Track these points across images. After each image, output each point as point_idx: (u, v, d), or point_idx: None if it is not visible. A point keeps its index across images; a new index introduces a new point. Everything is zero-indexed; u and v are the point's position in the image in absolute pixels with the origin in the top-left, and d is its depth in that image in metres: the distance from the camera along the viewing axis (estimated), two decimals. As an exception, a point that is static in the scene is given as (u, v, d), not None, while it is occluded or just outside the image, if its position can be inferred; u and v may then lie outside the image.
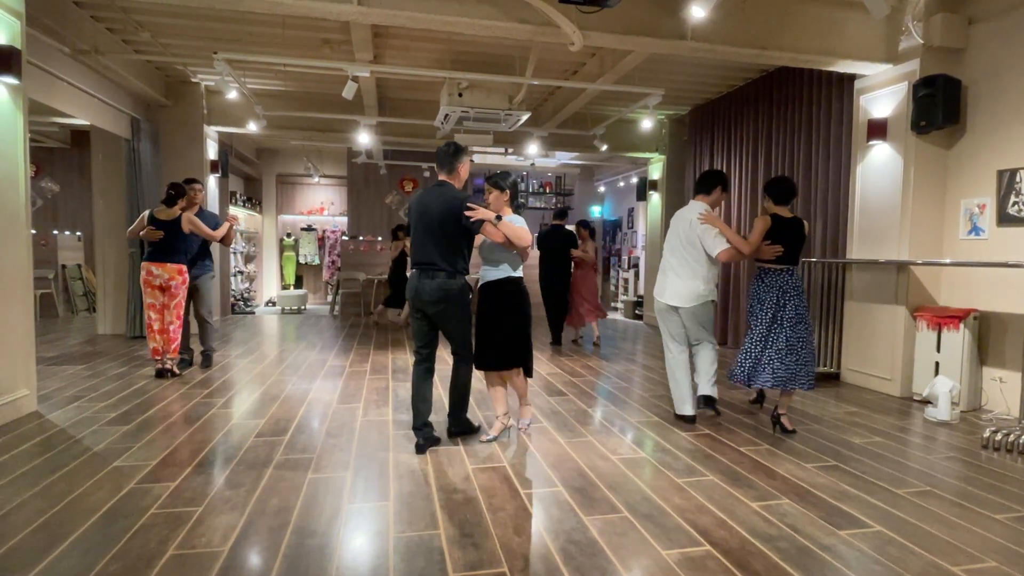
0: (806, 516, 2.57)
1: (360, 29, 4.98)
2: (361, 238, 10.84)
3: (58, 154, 9.98)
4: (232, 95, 6.36)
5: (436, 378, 3.83)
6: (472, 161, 11.27)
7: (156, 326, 4.95)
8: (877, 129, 5.00)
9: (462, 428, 3.58)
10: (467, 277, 3.40)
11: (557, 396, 4.63)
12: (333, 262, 12.46)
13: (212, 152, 8.01)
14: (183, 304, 5.10)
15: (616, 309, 11.75)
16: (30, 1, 4.07)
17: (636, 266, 11.25)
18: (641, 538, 2.36)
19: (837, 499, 2.76)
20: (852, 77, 5.34)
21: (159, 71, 7.06)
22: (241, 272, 10.91)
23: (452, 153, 3.32)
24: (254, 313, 10.28)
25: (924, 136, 4.72)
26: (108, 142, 7.16)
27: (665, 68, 6.54)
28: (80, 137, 9.42)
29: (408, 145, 9.97)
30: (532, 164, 10.62)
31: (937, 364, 4.54)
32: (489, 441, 3.51)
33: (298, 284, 12.47)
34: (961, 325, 4.38)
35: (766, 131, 6.79)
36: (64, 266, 9.67)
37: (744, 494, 2.80)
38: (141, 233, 4.92)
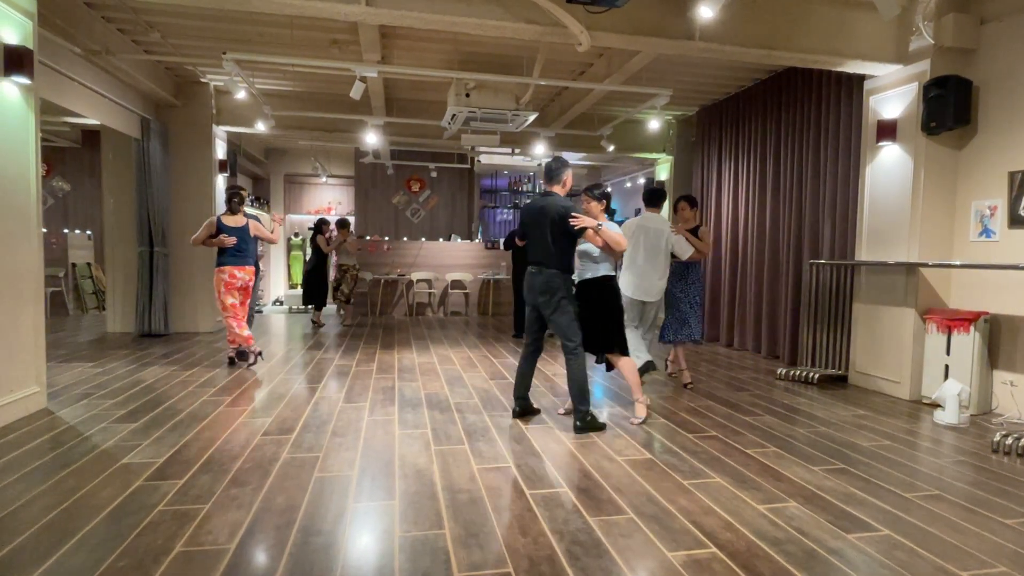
0: (813, 519, 2.56)
1: (368, 30, 4.99)
2: (368, 238, 10.87)
3: (69, 153, 10.07)
4: (241, 95, 6.40)
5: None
6: (479, 162, 11.30)
7: (242, 316, 5.46)
8: (887, 130, 4.96)
9: (584, 424, 3.75)
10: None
11: (563, 396, 4.62)
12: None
13: (221, 152, 8.05)
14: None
15: (622, 310, 11.73)
16: (42, 2, 4.11)
17: (643, 267, 11.21)
18: (647, 540, 2.35)
19: (845, 502, 2.74)
20: (861, 78, 5.30)
21: (169, 71, 7.11)
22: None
23: (559, 168, 3.87)
24: (261, 312, 10.33)
25: (934, 137, 4.68)
26: (118, 142, 7.22)
27: (673, 68, 6.52)
28: (91, 137, 9.50)
29: (415, 145, 9.98)
30: (539, 165, 10.60)
31: (947, 367, 4.50)
32: (640, 423, 3.93)
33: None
34: (971, 328, 4.34)
35: (774, 132, 6.75)
36: (74, 264, 9.75)
37: (751, 496, 2.78)
38: (215, 242, 5.28)
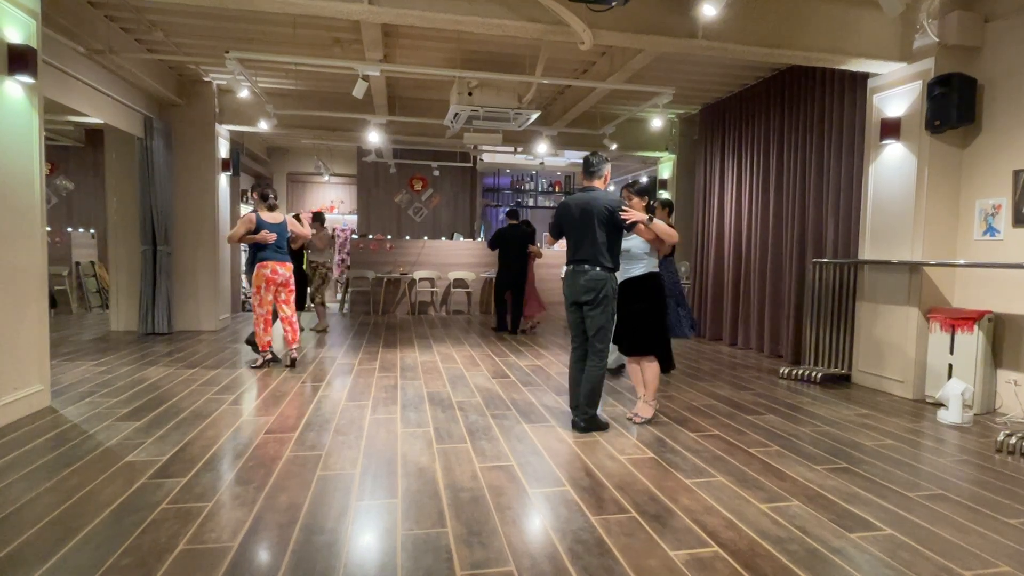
0: (816, 518, 2.55)
1: (370, 28, 4.99)
2: (371, 236, 10.88)
3: (73, 152, 10.10)
4: (244, 94, 6.40)
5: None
6: (481, 161, 11.29)
7: (272, 320, 5.50)
8: (890, 128, 4.95)
9: (591, 425, 3.72)
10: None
11: (565, 395, 4.62)
12: (343, 260, 12.51)
13: (224, 151, 8.06)
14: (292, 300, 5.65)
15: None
16: (46, 1, 4.11)
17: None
18: (649, 538, 2.35)
19: (848, 501, 2.74)
20: (865, 76, 5.28)
21: (172, 70, 7.12)
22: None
23: (599, 163, 3.76)
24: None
25: (938, 135, 4.67)
26: (122, 141, 7.23)
27: (676, 67, 6.50)
28: (94, 136, 9.52)
29: (418, 144, 9.98)
30: (541, 163, 10.60)
31: (950, 366, 4.49)
32: (643, 423, 3.89)
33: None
34: (975, 327, 4.33)
35: (778, 130, 6.73)
36: (78, 263, 9.78)
37: (753, 495, 2.78)
38: (255, 237, 5.22)
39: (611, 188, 5.05)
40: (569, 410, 3.89)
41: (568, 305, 3.78)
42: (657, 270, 3.94)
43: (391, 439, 3.50)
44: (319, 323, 7.98)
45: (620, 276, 3.87)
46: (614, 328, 3.85)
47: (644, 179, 3.54)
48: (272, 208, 5.44)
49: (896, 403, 4.68)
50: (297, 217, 6.77)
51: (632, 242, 3.85)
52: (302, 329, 7.61)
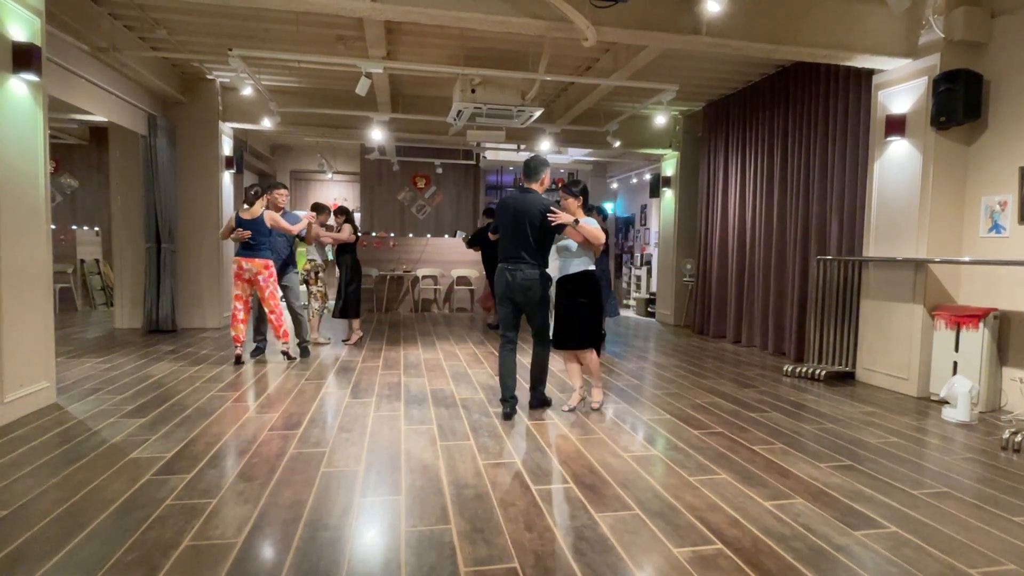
0: (820, 516, 2.55)
1: (373, 26, 4.99)
2: (374, 234, 10.88)
3: (77, 150, 10.12)
4: (247, 92, 6.40)
5: (519, 356, 4.28)
6: (484, 158, 11.28)
7: (240, 316, 5.49)
8: (895, 125, 4.92)
9: (541, 401, 4.15)
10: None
11: (569, 392, 4.62)
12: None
13: (227, 148, 8.07)
14: (276, 295, 5.58)
15: (628, 307, 11.71)
16: (50, -1, 4.12)
17: (649, 263, 11.19)
18: (652, 535, 2.35)
19: (852, 499, 2.73)
20: (870, 72, 5.25)
21: (175, 68, 7.13)
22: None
23: (538, 166, 3.95)
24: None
25: (944, 132, 4.64)
26: (125, 138, 7.24)
27: (679, 63, 6.48)
28: (98, 134, 9.55)
29: (421, 141, 9.97)
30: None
31: (955, 364, 4.47)
32: (570, 411, 4.10)
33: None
34: (980, 324, 4.31)
35: (782, 127, 6.71)
36: (83, 261, 9.81)
37: (757, 493, 2.78)
38: (232, 236, 5.38)
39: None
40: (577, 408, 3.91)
41: (500, 300, 3.96)
42: (593, 267, 4.08)
43: (395, 436, 3.51)
44: (313, 336, 6.57)
45: (558, 273, 4.07)
46: (553, 324, 4.12)
47: (582, 180, 3.73)
48: (251, 204, 5.46)
49: (901, 400, 4.66)
50: (316, 208, 6.72)
51: (568, 241, 4.00)
52: (308, 344, 6.13)
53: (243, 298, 5.49)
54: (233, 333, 5.50)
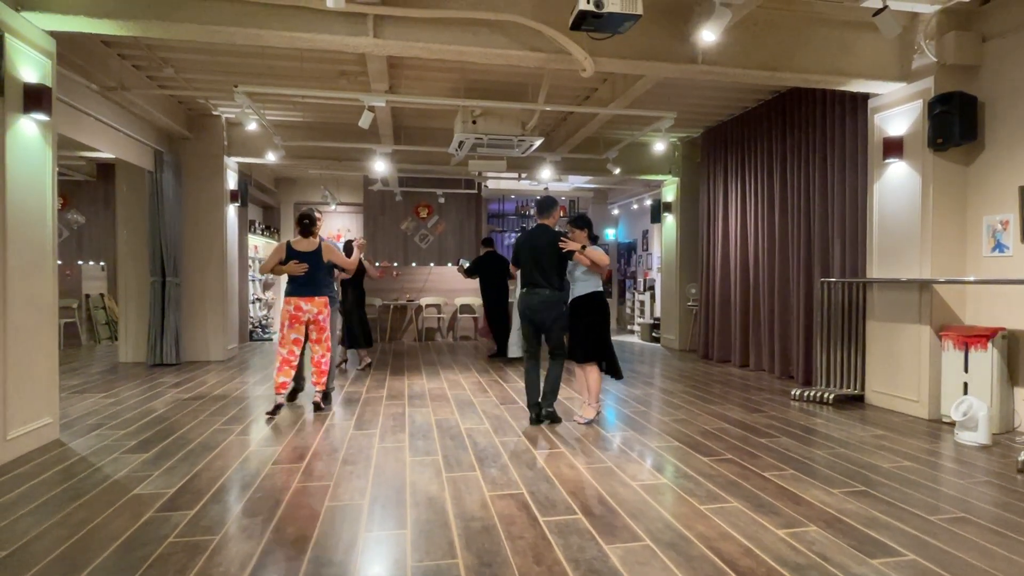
0: (835, 544, 2.49)
1: (376, 61, 5.09)
2: (377, 264, 10.93)
3: (84, 186, 10.25)
4: (252, 127, 6.51)
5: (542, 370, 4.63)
6: (486, 187, 11.39)
7: (295, 362, 4.80)
8: (893, 147, 4.96)
9: (549, 415, 4.52)
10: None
11: (575, 420, 4.57)
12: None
13: (232, 182, 8.17)
14: (330, 336, 4.99)
15: (632, 332, 11.66)
16: (61, 41, 4.23)
17: (652, 288, 11.19)
18: (664, 567, 2.29)
19: (867, 526, 2.67)
20: (866, 96, 5.32)
21: (181, 105, 7.27)
22: (259, 299, 11.02)
23: (550, 205, 4.62)
24: (271, 339, 10.36)
25: (942, 153, 4.68)
26: (132, 174, 7.35)
27: (677, 91, 6.58)
28: (105, 170, 9.68)
29: (423, 172, 10.08)
30: (546, 188, 10.68)
31: (965, 384, 4.41)
32: (586, 423, 4.46)
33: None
34: (989, 344, 4.27)
35: (780, 151, 6.77)
36: (88, 295, 9.86)
37: (770, 521, 2.72)
38: (286, 269, 4.74)
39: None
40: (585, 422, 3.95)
41: (522, 319, 4.55)
42: (600, 289, 4.55)
43: (400, 468, 3.46)
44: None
45: (571, 295, 4.57)
46: (567, 341, 4.57)
47: (585, 214, 4.24)
48: (307, 234, 4.81)
49: (912, 423, 4.60)
50: (348, 245, 6.06)
51: (578, 268, 4.50)
52: (344, 371, 6.79)
53: (301, 342, 4.82)
54: (281, 379, 4.75)
